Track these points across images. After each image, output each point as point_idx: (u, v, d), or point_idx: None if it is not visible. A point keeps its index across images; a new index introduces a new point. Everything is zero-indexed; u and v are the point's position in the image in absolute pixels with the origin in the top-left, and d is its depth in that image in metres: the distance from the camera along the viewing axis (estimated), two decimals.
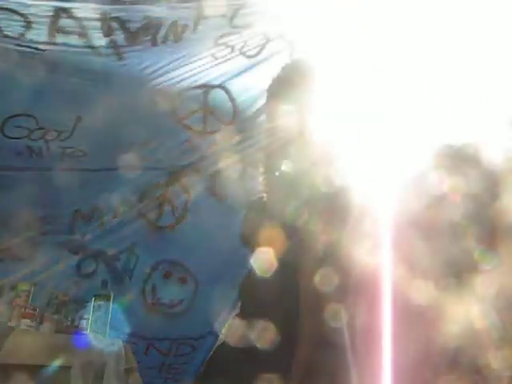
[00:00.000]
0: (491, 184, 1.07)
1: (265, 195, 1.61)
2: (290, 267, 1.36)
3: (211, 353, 3.65)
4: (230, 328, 1.35)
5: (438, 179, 1.26)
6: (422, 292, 1.03)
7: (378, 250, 1.29)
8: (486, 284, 0.99)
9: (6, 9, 2.59)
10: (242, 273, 3.88)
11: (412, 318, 1.02)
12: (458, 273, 1.00)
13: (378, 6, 3.15)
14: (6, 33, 2.65)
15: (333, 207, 1.63)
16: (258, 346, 1.29)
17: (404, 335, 1.00)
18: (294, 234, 1.50)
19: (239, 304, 1.46)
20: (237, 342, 1.33)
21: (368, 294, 1.32)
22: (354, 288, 1.35)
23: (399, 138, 1.67)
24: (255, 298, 1.91)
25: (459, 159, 1.28)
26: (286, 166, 1.85)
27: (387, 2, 3.15)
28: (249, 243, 1.48)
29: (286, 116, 1.49)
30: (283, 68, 1.51)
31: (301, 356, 1.24)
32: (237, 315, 1.44)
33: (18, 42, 2.69)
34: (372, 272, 1.29)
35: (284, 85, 1.53)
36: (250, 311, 1.93)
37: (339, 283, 1.40)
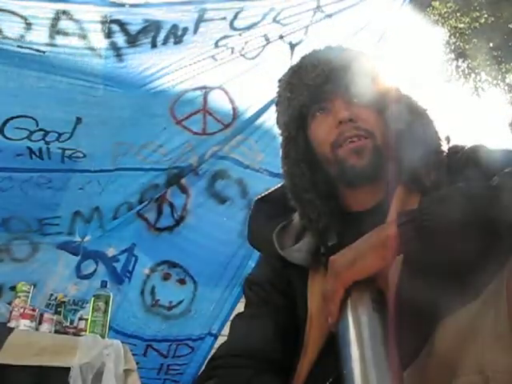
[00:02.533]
0: (491, 184, 1.07)
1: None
2: (298, 266, 1.36)
3: (211, 354, 3.66)
4: (232, 327, 1.35)
5: (438, 179, 1.26)
6: (422, 292, 1.03)
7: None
8: (485, 284, 0.99)
9: (6, 10, 2.59)
10: (241, 274, 3.91)
11: (412, 318, 1.01)
12: (458, 273, 1.00)
13: (378, 6, 3.16)
14: (5, 34, 2.65)
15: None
16: (262, 346, 1.29)
17: (404, 336, 1.00)
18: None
19: (245, 301, 1.46)
20: (239, 342, 1.33)
21: None
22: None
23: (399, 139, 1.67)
24: None
25: (460, 160, 1.28)
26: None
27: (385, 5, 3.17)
28: (257, 242, 1.47)
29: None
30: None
31: (305, 358, 1.24)
32: (239, 314, 1.43)
33: (18, 44, 2.69)
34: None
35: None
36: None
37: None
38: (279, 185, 1.48)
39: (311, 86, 1.36)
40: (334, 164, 1.33)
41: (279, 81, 1.49)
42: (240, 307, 3.32)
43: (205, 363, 3.01)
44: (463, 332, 0.98)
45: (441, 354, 0.99)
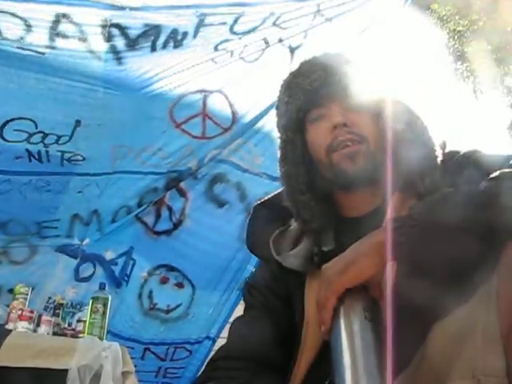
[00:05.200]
0: (491, 185, 1.08)
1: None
2: (296, 271, 1.36)
3: (209, 357, 3.66)
4: (231, 330, 1.35)
5: (432, 184, 1.27)
6: (422, 293, 1.03)
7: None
8: (477, 286, 1.00)
9: (6, 12, 2.59)
10: (240, 278, 3.91)
11: (411, 319, 1.01)
12: (458, 273, 1.00)
13: (378, 10, 3.16)
14: (5, 35, 2.65)
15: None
16: (260, 348, 1.29)
17: (403, 336, 1.00)
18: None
19: (244, 305, 1.46)
20: (238, 344, 1.33)
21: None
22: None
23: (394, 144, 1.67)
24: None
25: (455, 165, 1.28)
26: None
27: (385, 8, 3.17)
28: (255, 247, 1.47)
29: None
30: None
31: (302, 362, 1.24)
32: (239, 317, 1.43)
33: (18, 45, 2.69)
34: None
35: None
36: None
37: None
38: (279, 190, 1.49)
39: (308, 91, 1.37)
40: (328, 168, 1.34)
41: (280, 85, 1.50)
42: (239, 310, 3.33)
43: (203, 366, 3.01)
44: (455, 335, 0.98)
45: (433, 358, 0.99)
